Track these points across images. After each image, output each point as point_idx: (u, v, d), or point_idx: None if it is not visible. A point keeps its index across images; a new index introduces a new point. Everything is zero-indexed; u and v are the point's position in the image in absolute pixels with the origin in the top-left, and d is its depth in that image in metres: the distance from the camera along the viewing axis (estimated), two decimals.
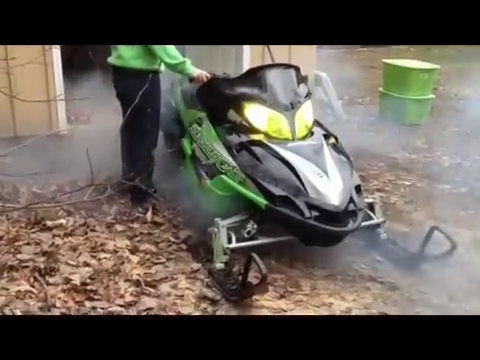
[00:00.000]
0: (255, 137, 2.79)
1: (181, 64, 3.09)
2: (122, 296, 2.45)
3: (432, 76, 5.79)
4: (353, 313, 2.37)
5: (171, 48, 3.05)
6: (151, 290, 2.50)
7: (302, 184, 2.54)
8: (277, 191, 2.58)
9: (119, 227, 3.19)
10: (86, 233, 3.11)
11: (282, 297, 2.50)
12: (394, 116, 5.73)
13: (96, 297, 2.43)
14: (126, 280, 2.58)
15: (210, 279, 2.63)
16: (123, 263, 2.73)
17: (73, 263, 2.70)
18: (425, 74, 5.67)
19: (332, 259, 2.89)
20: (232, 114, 2.92)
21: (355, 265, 2.84)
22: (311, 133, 2.91)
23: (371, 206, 3.01)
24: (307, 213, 2.51)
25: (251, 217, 2.76)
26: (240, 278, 2.56)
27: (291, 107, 2.86)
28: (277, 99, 2.87)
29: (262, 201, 2.62)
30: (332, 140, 2.95)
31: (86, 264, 2.71)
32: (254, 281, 2.47)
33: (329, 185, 2.53)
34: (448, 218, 3.47)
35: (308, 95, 3.04)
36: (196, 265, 2.77)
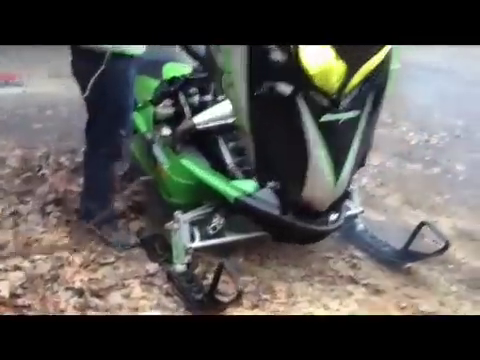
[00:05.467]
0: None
1: None
2: (62, 311, 2.01)
3: None
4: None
5: None
6: (98, 302, 2.07)
7: (302, 184, 1.97)
8: (269, 177, 2.05)
9: (58, 215, 2.71)
10: (17, 225, 2.61)
11: (255, 306, 2.14)
12: None
13: (30, 313, 1.98)
14: (67, 288, 2.14)
15: (169, 285, 2.23)
16: (62, 266, 2.28)
17: (0, 266, 2.22)
18: None
19: (306, 255, 2.56)
20: None
21: (332, 263, 2.52)
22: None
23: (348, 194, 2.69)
24: (284, 209, 2.14)
25: (217, 210, 2.36)
26: (204, 282, 2.22)
27: None
28: None
29: (231, 194, 2.22)
30: None
31: (17, 268, 2.23)
32: (223, 287, 2.11)
33: (331, 190, 2.09)
34: (423, 204, 3.23)
35: None
36: (152, 266, 2.35)
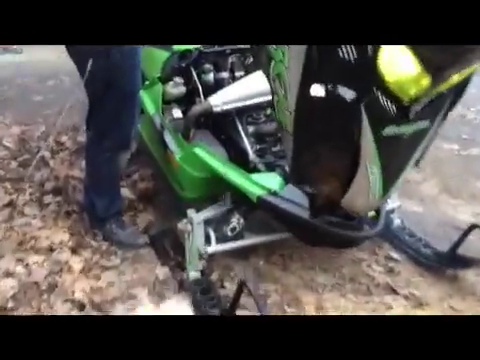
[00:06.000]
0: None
1: None
2: None
3: None
4: None
5: None
6: None
7: (342, 193, 1.62)
8: (305, 181, 1.71)
9: (57, 209, 2.42)
10: (12, 218, 2.33)
11: None
12: None
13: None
14: (65, 300, 1.87)
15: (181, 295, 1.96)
16: (61, 271, 2.01)
17: None
18: None
19: (335, 256, 2.26)
20: None
21: (366, 266, 2.22)
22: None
23: None
24: (315, 212, 1.83)
25: (236, 208, 2.06)
26: (221, 292, 1.94)
27: None
28: None
29: (253, 191, 1.90)
30: None
31: (9, 274, 1.97)
32: (243, 300, 1.83)
33: (375, 202, 1.76)
34: (463, 191, 2.90)
35: None
36: (162, 271, 2.07)
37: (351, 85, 1.35)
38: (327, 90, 1.37)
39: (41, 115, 3.43)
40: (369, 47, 1.28)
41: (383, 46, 1.28)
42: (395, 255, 2.29)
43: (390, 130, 1.40)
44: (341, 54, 1.29)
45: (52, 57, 4.28)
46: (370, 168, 1.50)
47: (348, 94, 1.35)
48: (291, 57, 1.41)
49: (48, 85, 4.03)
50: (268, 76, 1.53)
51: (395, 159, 1.53)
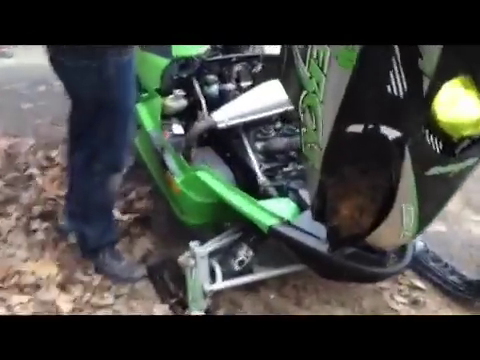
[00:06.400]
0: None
1: None
2: None
3: None
4: None
5: None
6: None
7: (369, 231, 1.41)
8: (328, 219, 1.50)
9: (43, 239, 2.18)
10: None
11: None
12: None
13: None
14: None
15: None
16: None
17: None
18: None
19: (353, 286, 2.05)
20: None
21: (388, 297, 2.01)
22: None
23: None
24: (334, 245, 1.61)
25: (244, 238, 1.84)
26: None
27: None
28: None
29: (264, 221, 1.68)
30: None
31: None
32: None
33: (406, 240, 1.52)
34: None
35: None
36: (161, 309, 1.85)
37: (397, 124, 1.13)
38: (367, 128, 1.15)
39: (31, 125, 3.20)
40: (425, 83, 1.05)
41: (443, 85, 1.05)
42: (419, 284, 2.09)
43: (435, 170, 1.18)
44: (390, 89, 1.06)
45: (44, 61, 4.05)
46: (406, 207, 1.29)
47: (391, 133, 1.13)
48: (328, 90, 1.18)
49: (39, 91, 3.80)
50: (297, 107, 1.31)
51: (436, 198, 1.32)
